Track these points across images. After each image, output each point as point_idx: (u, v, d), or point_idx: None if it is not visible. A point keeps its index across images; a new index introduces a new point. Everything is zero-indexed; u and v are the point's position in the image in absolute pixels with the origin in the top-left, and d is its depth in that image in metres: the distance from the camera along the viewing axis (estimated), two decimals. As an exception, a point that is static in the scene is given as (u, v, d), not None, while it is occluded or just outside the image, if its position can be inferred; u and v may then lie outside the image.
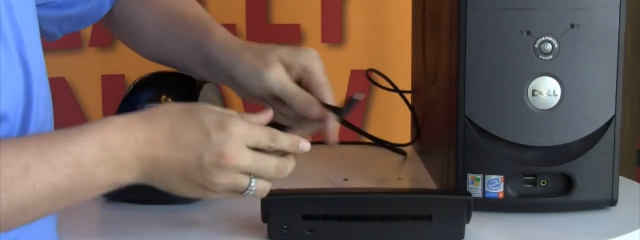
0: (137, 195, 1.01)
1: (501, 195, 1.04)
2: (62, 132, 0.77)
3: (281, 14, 1.80)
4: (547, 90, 1.03)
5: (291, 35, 1.79)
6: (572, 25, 1.02)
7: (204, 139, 0.80)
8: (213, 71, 1.01)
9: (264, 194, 0.86)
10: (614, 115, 1.04)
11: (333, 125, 0.94)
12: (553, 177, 1.05)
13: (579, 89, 1.03)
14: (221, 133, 0.81)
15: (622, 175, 1.09)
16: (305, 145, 0.86)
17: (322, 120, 0.93)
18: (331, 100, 0.95)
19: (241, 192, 0.83)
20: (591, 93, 1.03)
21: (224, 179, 0.81)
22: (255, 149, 0.83)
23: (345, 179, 1.21)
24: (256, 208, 0.95)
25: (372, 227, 0.94)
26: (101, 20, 1.10)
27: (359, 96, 0.95)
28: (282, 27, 1.81)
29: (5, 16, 0.79)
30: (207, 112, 0.83)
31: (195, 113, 0.82)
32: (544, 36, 1.02)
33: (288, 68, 0.95)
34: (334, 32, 1.81)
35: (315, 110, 0.93)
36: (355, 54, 1.82)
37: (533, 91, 1.03)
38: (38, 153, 0.74)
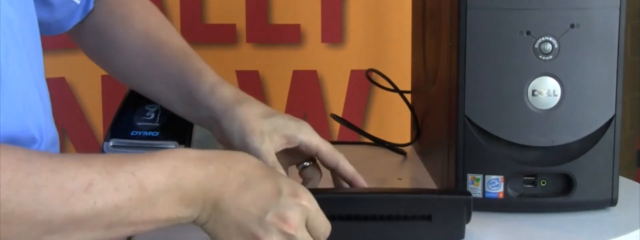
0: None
1: (501, 195, 1.04)
2: (131, 156, 0.75)
3: (281, 14, 1.80)
4: (547, 90, 1.03)
5: (291, 35, 1.79)
6: (572, 25, 1.02)
7: (275, 196, 0.79)
8: (193, 111, 1.01)
9: None
10: (614, 116, 1.04)
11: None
12: (553, 177, 1.05)
13: (579, 89, 1.03)
14: (293, 198, 0.79)
15: (622, 175, 1.09)
16: None
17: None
18: (361, 180, 1.03)
19: None
20: (591, 93, 1.03)
21: None
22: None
23: (345, 179, 1.21)
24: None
25: (372, 227, 0.94)
26: (69, 32, 1.05)
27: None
28: (282, 27, 1.81)
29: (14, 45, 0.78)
30: (284, 176, 0.82)
31: (274, 171, 0.82)
32: (544, 36, 1.02)
33: (283, 138, 0.98)
34: (334, 32, 1.81)
35: None
36: (355, 54, 1.82)
37: (533, 91, 1.03)
38: (104, 171, 0.71)
